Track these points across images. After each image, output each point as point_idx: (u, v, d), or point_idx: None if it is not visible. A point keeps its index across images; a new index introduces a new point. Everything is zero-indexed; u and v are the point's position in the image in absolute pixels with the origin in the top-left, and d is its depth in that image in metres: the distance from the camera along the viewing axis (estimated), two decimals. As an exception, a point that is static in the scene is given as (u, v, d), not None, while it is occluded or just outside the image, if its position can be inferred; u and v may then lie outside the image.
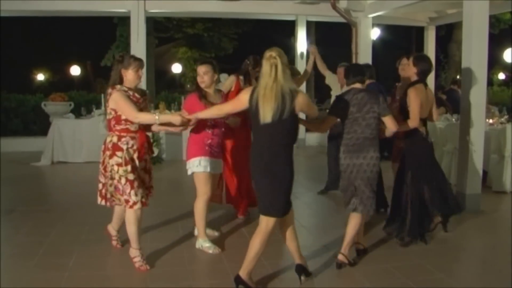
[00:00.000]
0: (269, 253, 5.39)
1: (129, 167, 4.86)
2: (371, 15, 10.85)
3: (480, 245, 5.83)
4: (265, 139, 4.25)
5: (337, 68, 8.08)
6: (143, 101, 5.01)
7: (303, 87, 10.51)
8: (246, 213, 6.76)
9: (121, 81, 4.89)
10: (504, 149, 8.14)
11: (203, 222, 5.49)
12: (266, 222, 4.37)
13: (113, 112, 4.87)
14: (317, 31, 21.25)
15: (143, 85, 10.39)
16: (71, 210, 7.18)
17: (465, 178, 7.02)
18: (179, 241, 5.75)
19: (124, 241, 5.41)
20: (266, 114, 4.14)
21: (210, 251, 5.37)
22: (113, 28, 19.02)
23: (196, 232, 5.72)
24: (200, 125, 5.33)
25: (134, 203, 4.86)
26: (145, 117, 4.93)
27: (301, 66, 13.51)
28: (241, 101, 4.41)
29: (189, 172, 5.53)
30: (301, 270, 4.63)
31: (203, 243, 5.46)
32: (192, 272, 4.86)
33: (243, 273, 4.39)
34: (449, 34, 20.03)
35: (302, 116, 4.97)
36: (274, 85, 4.13)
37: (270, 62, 4.18)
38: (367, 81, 7.64)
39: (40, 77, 29.56)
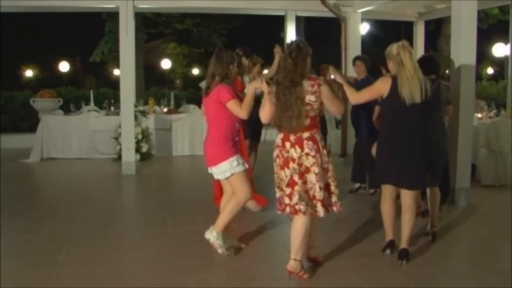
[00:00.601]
0: (260, 249, 5.41)
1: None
2: (360, 10, 10.83)
3: (469, 238, 5.86)
4: (414, 119, 4.70)
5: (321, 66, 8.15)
6: None
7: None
8: None
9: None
10: (493, 144, 8.19)
11: (229, 219, 5.08)
12: (410, 197, 4.87)
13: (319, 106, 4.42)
14: (307, 26, 21.31)
15: (134, 81, 10.38)
16: (60, 207, 7.14)
17: (454, 172, 7.04)
18: (169, 237, 5.74)
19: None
20: (416, 95, 4.58)
21: (219, 251, 4.98)
22: (102, 23, 18.96)
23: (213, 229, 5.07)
24: (232, 123, 4.97)
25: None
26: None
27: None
28: (380, 90, 4.78)
29: (227, 175, 4.93)
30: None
31: (218, 238, 4.97)
32: (183, 268, 4.84)
33: (408, 245, 4.90)
34: (438, 29, 20.10)
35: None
36: (414, 70, 4.63)
37: (408, 50, 4.67)
38: (364, 75, 7.72)
39: (29, 73, 29.46)
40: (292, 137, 4.35)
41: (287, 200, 4.40)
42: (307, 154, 4.34)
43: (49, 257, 5.07)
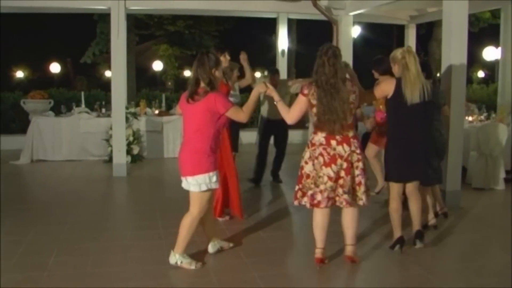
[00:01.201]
0: (250, 251, 5.41)
1: None
2: (352, 13, 10.87)
3: (460, 241, 5.87)
4: (416, 118, 5.09)
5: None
6: None
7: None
8: (222, 214, 6.52)
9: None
10: (484, 147, 8.23)
11: (189, 238, 4.89)
12: (413, 184, 5.31)
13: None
14: (298, 28, 21.34)
15: (125, 82, 10.35)
16: (51, 209, 7.12)
17: (445, 175, 7.07)
18: (160, 239, 5.72)
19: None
20: (416, 96, 4.97)
21: (191, 267, 4.82)
22: (93, 25, 18.89)
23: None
24: (218, 134, 4.84)
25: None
26: None
27: (282, 64, 13.54)
28: (384, 91, 5.15)
29: (203, 188, 4.74)
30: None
31: (183, 259, 4.85)
32: (173, 270, 4.83)
33: (421, 227, 5.36)
34: (429, 32, 20.17)
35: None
36: (417, 74, 5.01)
37: (413, 55, 5.04)
38: None
39: (19, 74, 29.29)
40: (337, 136, 4.65)
41: (331, 194, 4.69)
42: (353, 152, 4.69)
43: (39, 259, 5.05)
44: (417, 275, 4.78)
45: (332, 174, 4.64)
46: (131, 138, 10.78)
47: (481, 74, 28.36)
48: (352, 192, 4.74)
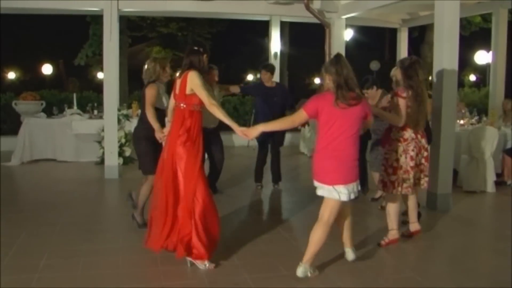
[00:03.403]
0: (243, 255, 5.39)
1: None
2: (344, 16, 10.90)
3: (450, 244, 5.90)
4: None
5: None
6: None
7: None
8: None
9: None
10: (475, 150, 8.27)
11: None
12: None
13: None
14: (291, 31, 21.37)
15: (117, 84, 10.34)
16: (42, 211, 7.09)
17: (436, 178, 7.10)
18: (152, 242, 5.71)
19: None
20: None
21: (316, 274, 4.76)
22: (86, 26, 18.87)
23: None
24: None
25: None
26: None
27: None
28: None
29: (352, 197, 4.60)
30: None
31: (311, 270, 4.72)
32: (164, 272, 4.83)
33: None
34: (421, 36, 20.27)
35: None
36: None
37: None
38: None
39: (11, 75, 29.17)
40: (420, 131, 5.59)
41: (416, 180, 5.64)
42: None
43: (30, 261, 5.03)
44: (408, 277, 4.79)
45: (418, 162, 5.56)
46: (123, 140, 10.76)
47: (472, 77, 28.51)
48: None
